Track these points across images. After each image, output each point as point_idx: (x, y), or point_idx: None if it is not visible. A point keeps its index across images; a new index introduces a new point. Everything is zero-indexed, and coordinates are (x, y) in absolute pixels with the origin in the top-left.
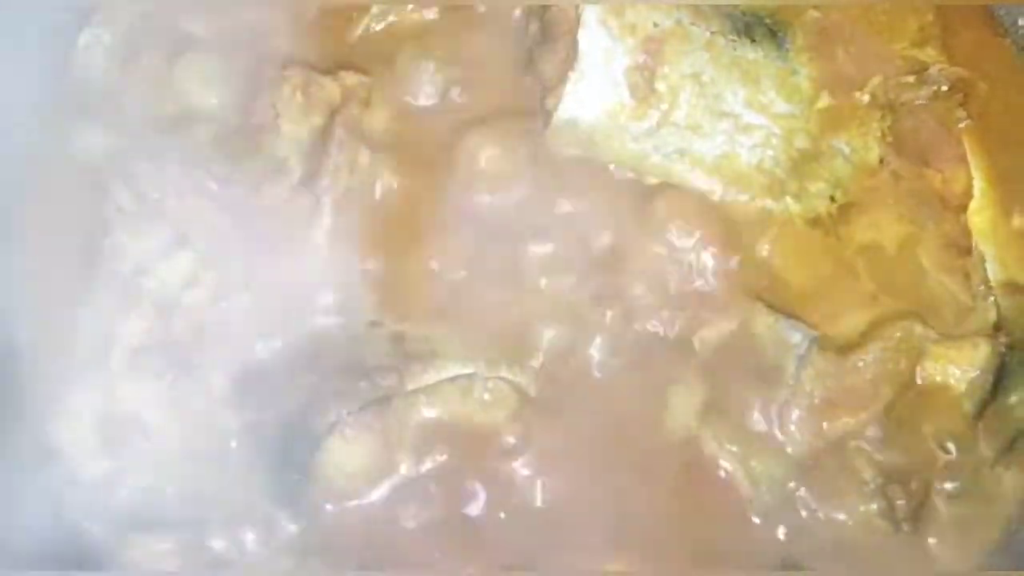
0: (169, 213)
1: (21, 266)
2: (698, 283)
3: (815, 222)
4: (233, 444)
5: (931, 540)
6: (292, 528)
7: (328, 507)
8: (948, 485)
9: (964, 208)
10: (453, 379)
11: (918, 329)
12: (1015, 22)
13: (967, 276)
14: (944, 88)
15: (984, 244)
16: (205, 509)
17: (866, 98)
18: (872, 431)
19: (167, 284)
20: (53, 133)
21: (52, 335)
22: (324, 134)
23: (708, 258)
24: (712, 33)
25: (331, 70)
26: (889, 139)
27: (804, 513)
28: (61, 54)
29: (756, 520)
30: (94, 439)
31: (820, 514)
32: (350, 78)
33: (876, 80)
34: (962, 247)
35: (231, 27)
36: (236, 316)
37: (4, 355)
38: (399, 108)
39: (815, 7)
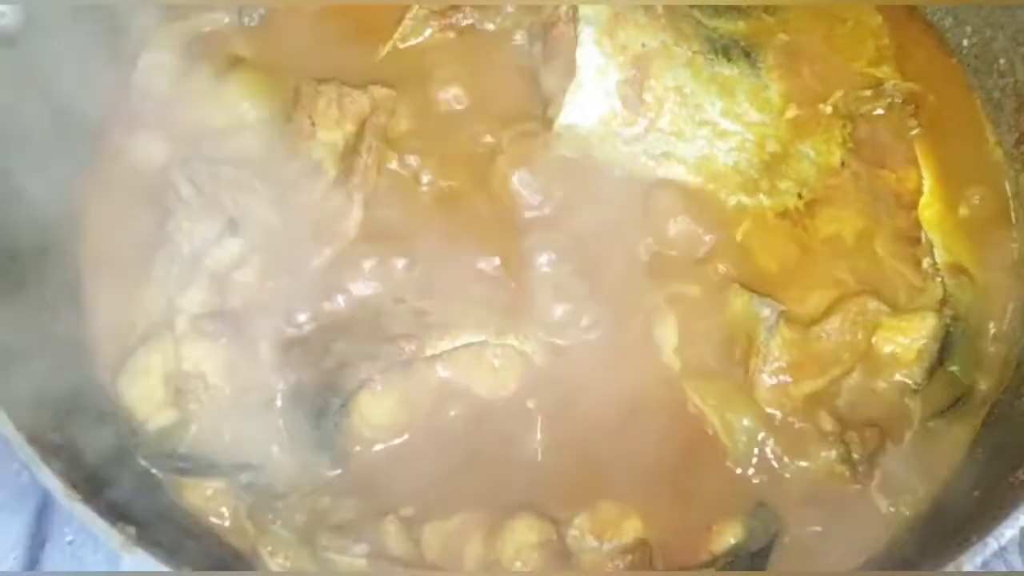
0: (223, 205)
1: (92, 255)
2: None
3: (784, 215)
4: (278, 400)
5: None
6: (329, 471)
7: (358, 450)
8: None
9: (915, 204)
10: (466, 346)
11: (873, 305)
12: (960, 43)
13: (917, 262)
14: (898, 100)
15: (932, 233)
16: (255, 454)
17: (829, 109)
18: (832, 391)
19: (221, 264)
20: (118, 143)
21: (123, 306)
22: (356, 139)
23: (693, 239)
24: (693, 52)
25: (362, 84)
26: (850, 145)
27: (775, 463)
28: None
29: (735, 468)
30: (161, 392)
31: (788, 461)
32: (378, 91)
33: (838, 94)
34: (912, 237)
35: (273, 47)
36: (279, 293)
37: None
38: (422, 116)
39: (784, 32)
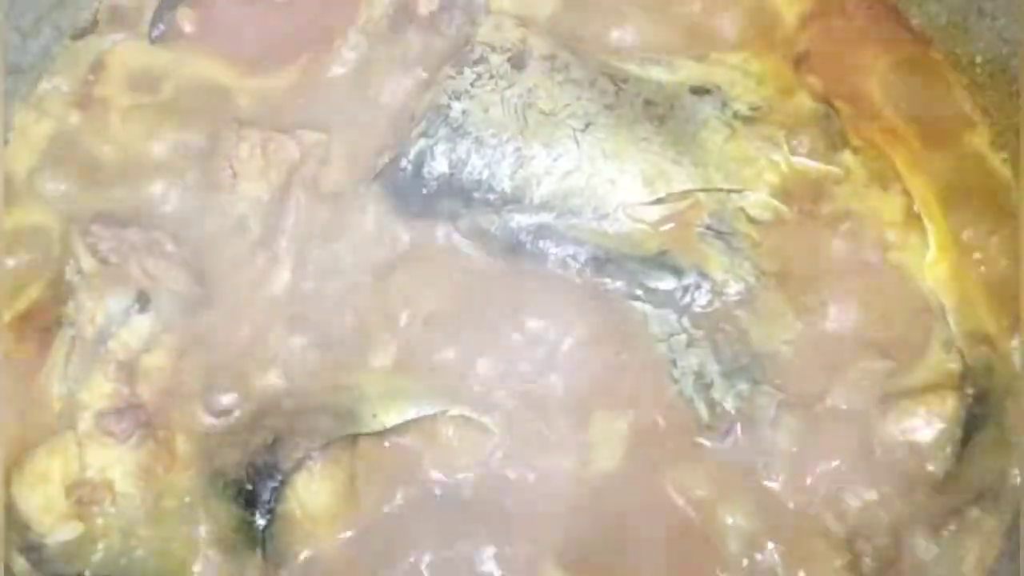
0: (130, 276)
1: None
2: None
3: None
4: (200, 495)
5: None
6: None
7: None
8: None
9: None
10: (418, 419)
11: (879, 365)
12: None
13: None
14: None
15: (945, 296)
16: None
17: None
18: (842, 485)
19: (128, 347)
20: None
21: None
22: (283, 192)
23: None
24: None
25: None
26: None
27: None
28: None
29: None
30: (63, 502)
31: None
32: (308, 136)
33: None
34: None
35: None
36: (197, 375)
37: None
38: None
39: None
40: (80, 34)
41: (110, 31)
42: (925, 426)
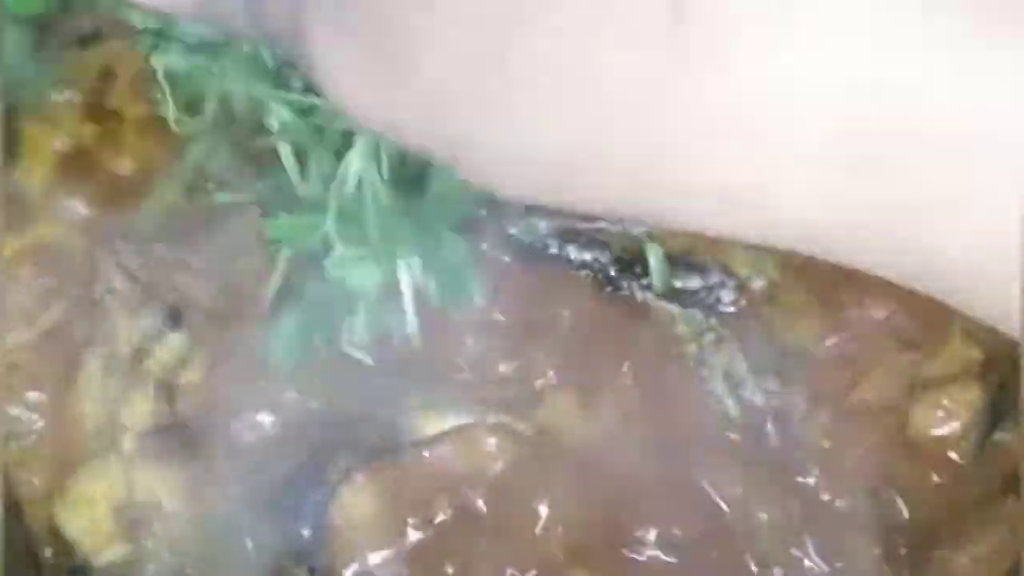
0: (159, 292)
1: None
2: None
3: None
4: (245, 513)
5: None
6: None
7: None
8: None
9: None
10: (458, 428)
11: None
12: None
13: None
14: None
15: None
16: None
17: None
18: (874, 478)
19: (165, 366)
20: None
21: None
22: None
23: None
24: None
25: None
26: None
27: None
28: None
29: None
30: (110, 525)
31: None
32: None
33: None
34: None
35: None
36: (231, 390)
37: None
38: None
39: None
40: (86, 41)
41: (116, 37)
42: (950, 416)
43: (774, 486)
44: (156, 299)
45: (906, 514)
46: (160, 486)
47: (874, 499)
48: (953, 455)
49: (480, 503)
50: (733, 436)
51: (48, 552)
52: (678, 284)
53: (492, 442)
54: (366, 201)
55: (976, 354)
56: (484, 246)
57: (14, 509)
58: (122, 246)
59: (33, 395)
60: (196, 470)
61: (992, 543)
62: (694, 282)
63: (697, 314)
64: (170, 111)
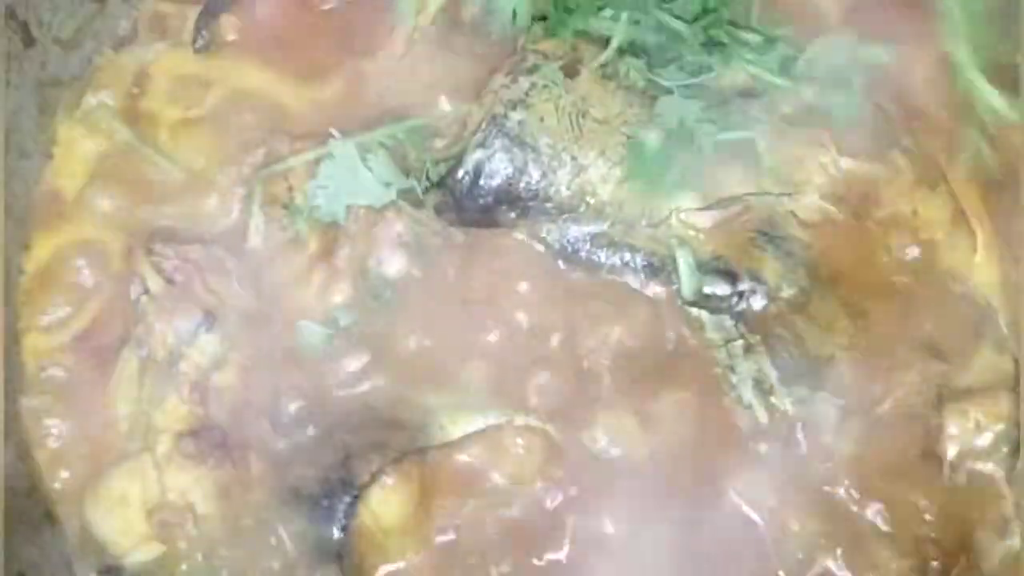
0: (195, 295)
1: None
2: None
3: None
4: (277, 512)
5: None
6: None
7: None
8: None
9: None
10: (483, 430)
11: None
12: None
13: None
14: None
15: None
16: None
17: None
18: (904, 488)
19: (199, 367)
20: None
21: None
22: None
23: None
24: None
25: None
26: None
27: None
28: None
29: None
30: (143, 525)
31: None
32: None
33: None
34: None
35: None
36: (264, 392)
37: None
38: None
39: None
40: (121, 44)
41: (151, 41)
42: (981, 427)
43: (804, 496)
44: (191, 301)
45: (936, 525)
46: (193, 488)
47: (904, 510)
48: (987, 467)
49: (508, 503)
50: (763, 446)
51: (79, 552)
52: (707, 290)
53: (520, 443)
54: None
55: (1007, 365)
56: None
57: (46, 509)
58: (159, 248)
59: (66, 395)
60: (228, 472)
61: None
62: (724, 288)
63: (726, 320)
64: None
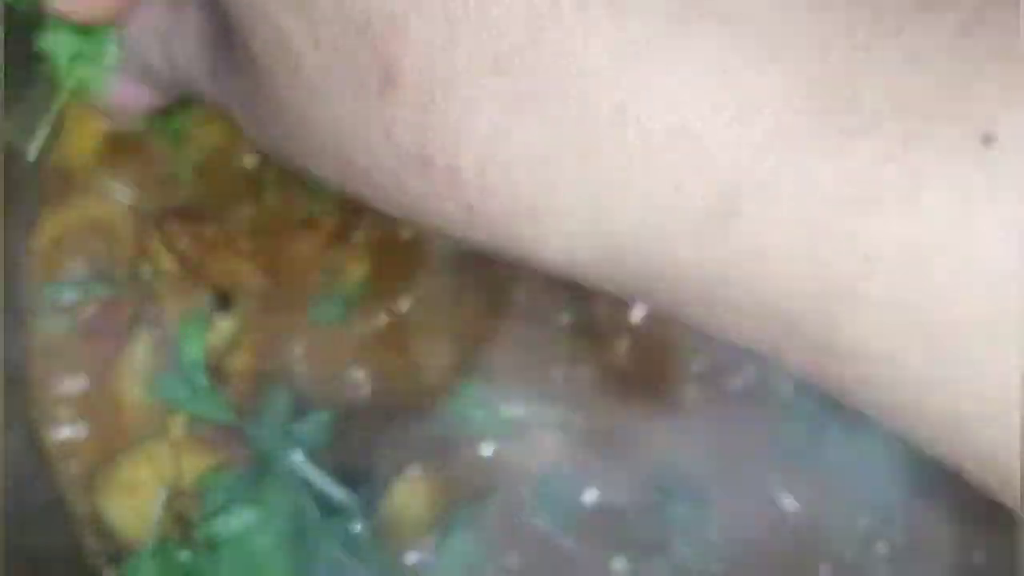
0: (208, 274)
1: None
2: None
3: None
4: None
5: None
6: None
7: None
8: None
9: None
10: (505, 421)
11: None
12: None
13: None
14: None
15: None
16: None
17: None
18: (949, 479)
19: (213, 351)
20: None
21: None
22: None
23: None
24: None
25: None
26: None
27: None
28: None
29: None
30: (158, 512)
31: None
32: None
33: None
34: None
35: None
36: (280, 376)
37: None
38: None
39: None
40: None
41: None
42: None
43: (844, 490)
44: (206, 281)
45: (983, 516)
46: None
47: (949, 503)
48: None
49: (534, 499)
50: (799, 439)
51: (89, 539)
52: None
53: (548, 438)
54: None
55: None
56: None
57: (55, 494)
58: (172, 226)
59: (77, 378)
60: (241, 456)
61: None
62: None
63: None
64: None
